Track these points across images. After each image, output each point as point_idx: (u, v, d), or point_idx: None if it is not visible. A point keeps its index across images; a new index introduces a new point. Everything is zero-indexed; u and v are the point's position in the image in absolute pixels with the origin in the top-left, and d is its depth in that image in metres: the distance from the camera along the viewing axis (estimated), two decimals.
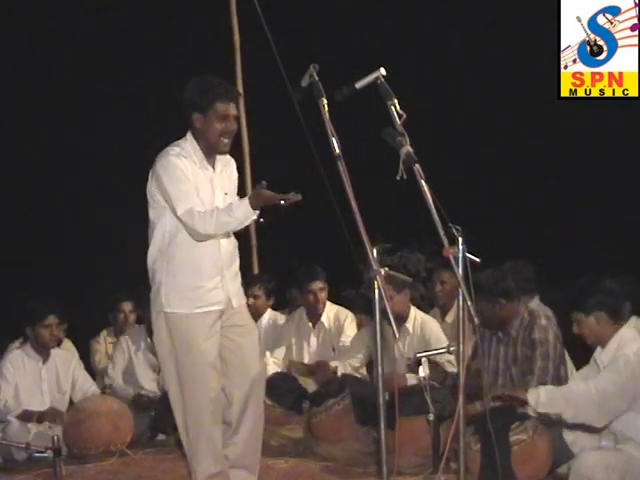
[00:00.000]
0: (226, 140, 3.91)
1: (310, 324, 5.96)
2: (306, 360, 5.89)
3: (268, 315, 6.30)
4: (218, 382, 3.94)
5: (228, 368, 4.00)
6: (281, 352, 5.94)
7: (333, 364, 5.54)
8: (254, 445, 4.08)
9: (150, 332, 4.87)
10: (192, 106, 3.88)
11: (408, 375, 5.11)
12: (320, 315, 5.94)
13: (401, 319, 5.35)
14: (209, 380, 3.89)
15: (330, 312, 5.97)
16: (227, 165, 4.06)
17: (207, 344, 3.89)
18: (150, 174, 3.94)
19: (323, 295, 5.91)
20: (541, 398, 3.79)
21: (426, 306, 6.31)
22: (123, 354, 6.12)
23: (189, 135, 3.95)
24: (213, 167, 3.97)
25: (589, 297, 3.85)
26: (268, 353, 5.89)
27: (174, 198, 3.79)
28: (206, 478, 3.90)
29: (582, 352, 4.69)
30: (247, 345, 4.03)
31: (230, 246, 4.03)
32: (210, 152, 3.95)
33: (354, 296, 7.59)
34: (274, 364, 5.83)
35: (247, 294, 6.11)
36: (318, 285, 5.87)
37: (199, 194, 3.85)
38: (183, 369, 3.89)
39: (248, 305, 6.07)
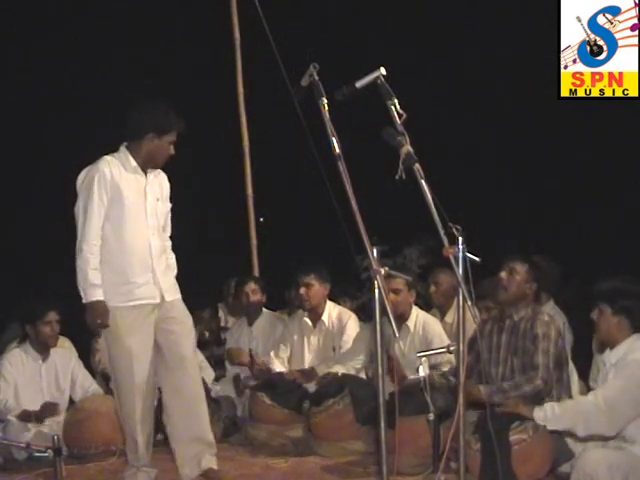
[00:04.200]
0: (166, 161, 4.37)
1: (310, 324, 5.89)
2: (306, 359, 5.86)
3: (264, 315, 6.29)
4: (145, 378, 4.21)
5: (163, 352, 4.32)
6: (286, 352, 5.92)
7: (335, 369, 5.50)
8: (194, 423, 4.36)
9: None
10: (150, 127, 4.24)
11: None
12: (320, 315, 5.83)
13: (402, 318, 5.34)
14: (135, 375, 4.18)
15: (332, 312, 5.89)
16: (157, 175, 4.41)
17: (132, 340, 4.18)
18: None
19: (311, 291, 5.74)
20: (548, 415, 3.80)
21: (422, 304, 6.27)
22: None
23: (123, 148, 4.32)
24: (145, 175, 4.33)
25: (623, 297, 3.76)
26: (272, 353, 5.89)
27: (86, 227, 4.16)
28: (130, 467, 4.37)
29: (586, 356, 4.69)
30: (180, 332, 4.35)
31: (160, 244, 4.35)
32: (147, 167, 4.32)
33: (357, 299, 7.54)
34: (280, 364, 5.83)
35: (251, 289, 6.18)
36: (306, 279, 5.71)
37: (128, 199, 4.20)
38: (112, 361, 4.28)
39: (249, 300, 6.14)
